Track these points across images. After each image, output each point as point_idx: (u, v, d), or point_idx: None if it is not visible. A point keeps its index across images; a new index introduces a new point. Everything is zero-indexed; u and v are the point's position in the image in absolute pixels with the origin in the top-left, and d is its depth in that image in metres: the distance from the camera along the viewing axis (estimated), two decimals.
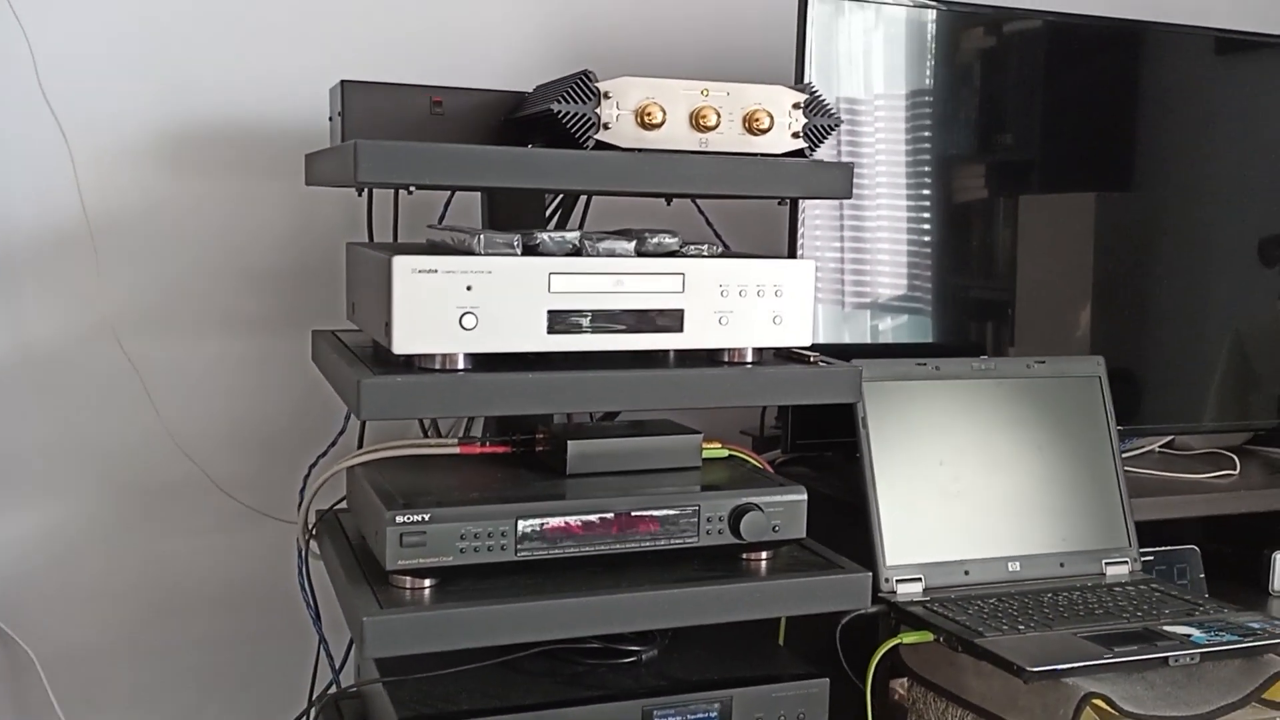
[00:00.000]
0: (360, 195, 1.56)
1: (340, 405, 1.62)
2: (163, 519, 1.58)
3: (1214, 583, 1.69)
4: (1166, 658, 1.18)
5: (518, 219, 1.43)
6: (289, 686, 1.65)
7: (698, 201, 1.60)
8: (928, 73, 1.62)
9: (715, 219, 1.60)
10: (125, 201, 1.52)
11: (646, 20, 1.75)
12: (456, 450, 1.32)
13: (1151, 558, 1.59)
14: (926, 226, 1.62)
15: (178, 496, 1.59)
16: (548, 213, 1.52)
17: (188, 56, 1.53)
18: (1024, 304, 1.68)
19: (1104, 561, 1.45)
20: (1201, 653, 1.20)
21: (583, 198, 1.60)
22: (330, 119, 1.43)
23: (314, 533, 1.41)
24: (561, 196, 1.56)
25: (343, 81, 1.33)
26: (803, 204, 1.55)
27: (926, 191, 1.62)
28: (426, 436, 1.53)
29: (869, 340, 1.62)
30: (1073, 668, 1.15)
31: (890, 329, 1.62)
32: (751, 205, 1.76)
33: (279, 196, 1.59)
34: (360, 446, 1.51)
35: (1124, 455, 1.80)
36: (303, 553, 1.42)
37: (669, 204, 1.60)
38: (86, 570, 1.56)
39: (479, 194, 1.58)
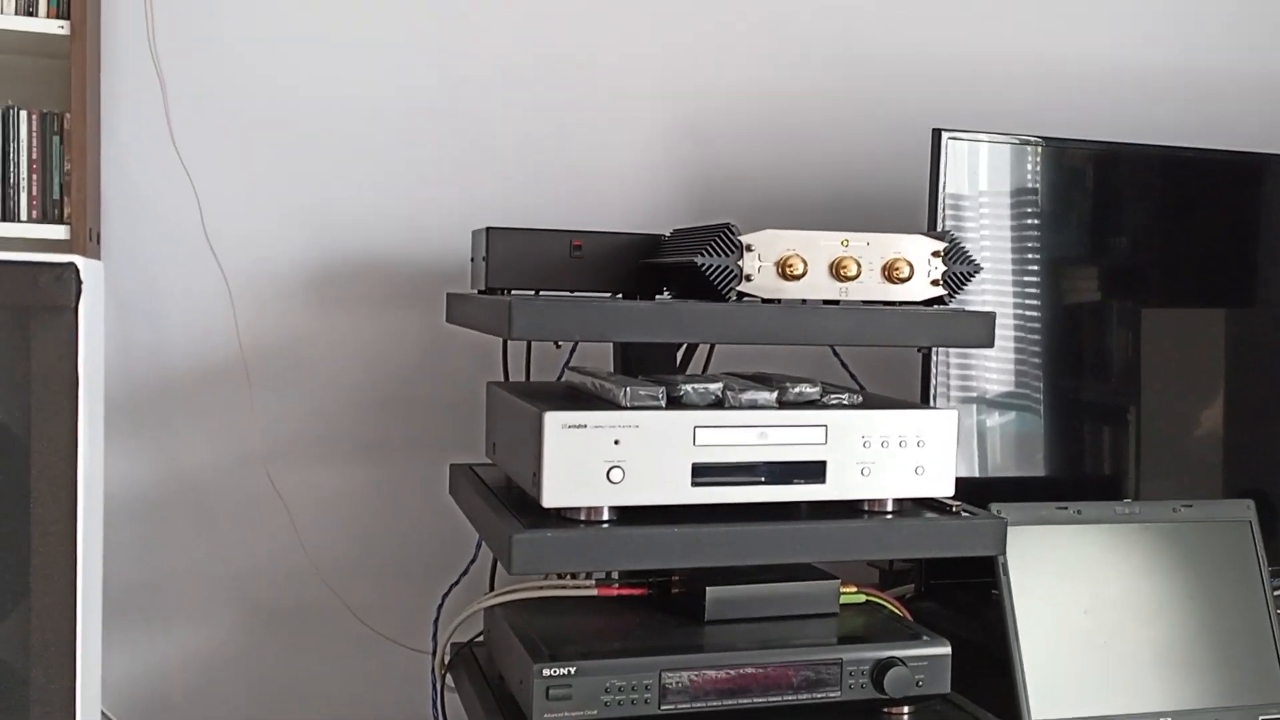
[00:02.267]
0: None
1: (472, 535, 1.64)
2: (301, 644, 1.62)
3: None
4: None
5: (650, 359, 1.45)
6: None
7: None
8: (1037, 205, 1.61)
9: (846, 354, 1.60)
10: (276, 337, 1.59)
11: (771, 165, 1.78)
12: (594, 592, 1.33)
13: None
14: (1035, 342, 1.60)
15: (316, 622, 1.62)
16: (678, 352, 1.54)
17: (337, 200, 1.60)
18: (1150, 425, 1.64)
19: (1260, 717, 1.38)
20: None
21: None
22: (473, 260, 1.48)
23: (449, 666, 1.43)
24: None
25: (488, 229, 1.38)
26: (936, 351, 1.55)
27: (1034, 310, 1.61)
28: (560, 576, 1.54)
29: (992, 471, 1.59)
30: None
31: (1015, 458, 1.60)
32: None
33: (418, 331, 1.64)
34: (492, 578, 1.53)
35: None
36: (438, 686, 1.44)
37: None
38: (226, 692, 1.59)
39: None
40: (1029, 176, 1.60)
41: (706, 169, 1.75)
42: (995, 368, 1.60)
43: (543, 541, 1.09)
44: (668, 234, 1.42)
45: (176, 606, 1.57)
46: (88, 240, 1.37)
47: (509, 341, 1.58)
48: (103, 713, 1.54)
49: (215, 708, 1.59)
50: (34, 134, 1.28)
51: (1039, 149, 1.59)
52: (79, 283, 0.71)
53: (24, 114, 1.30)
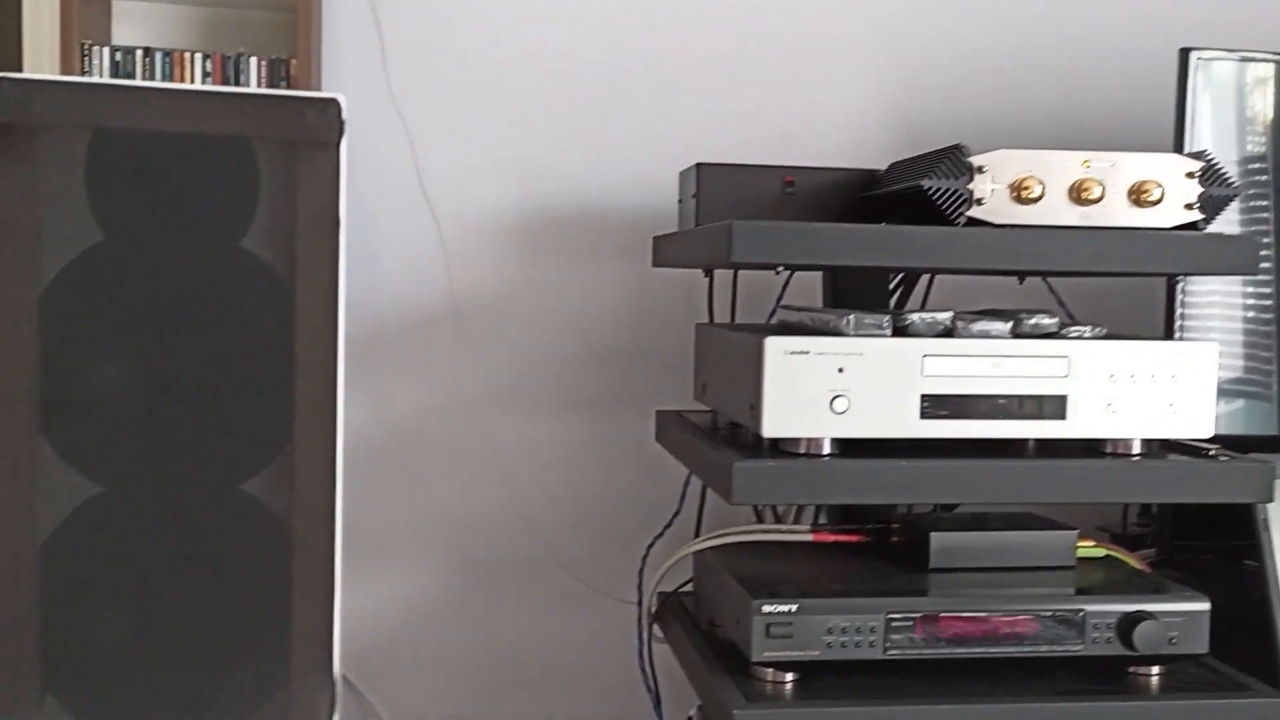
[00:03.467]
0: (705, 277, 1.57)
1: (676, 487, 1.61)
2: (507, 593, 1.62)
3: None
4: None
5: (861, 300, 1.38)
6: None
7: (1049, 280, 1.50)
8: None
9: (1068, 294, 1.50)
10: (486, 286, 1.60)
11: (992, 98, 1.68)
12: (809, 538, 1.27)
13: None
14: None
15: (522, 572, 1.62)
16: (891, 289, 1.47)
17: (546, 149, 1.60)
18: None
19: None
20: None
21: (925, 277, 1.54)
22: (680, 201, 1.45)
23: (656, 615, 1.40)
24: (903, 276, 1.51)
25: (698, 165, 1.34)
26: (1182, 281, 1.42)
27: None
28: (760, 522, 1.49)
29: (1248, 430, 1.45)
30: None
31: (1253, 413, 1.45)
32: (1097, 283, 1.64)
33: (622, 280, 1.62)
34: (698, 528, 1.49)
35: None
36: (644, 636, 1.41)
37: (1021, 282, 1.51)
38: (436, 639, 1.61)
39: (821, 275, 1.55)
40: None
41: (921, 103, 1.67)
42: (1231, 304, 1.46)
43: (764, 471, 1.05)
44: (884, 169, 1.35)
45: (387, 553, 1.60)
46: None
47: (710, 281, 1.54)
48: None
49: (423, 653, 1.61)
50: (262, 78, 1.33)
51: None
52: (341, 120, 0.71)
53: (254, 60, 1.34)
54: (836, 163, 1.62)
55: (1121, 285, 1.65)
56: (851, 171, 1.37)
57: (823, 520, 1.44)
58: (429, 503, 1.60)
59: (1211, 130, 1.44)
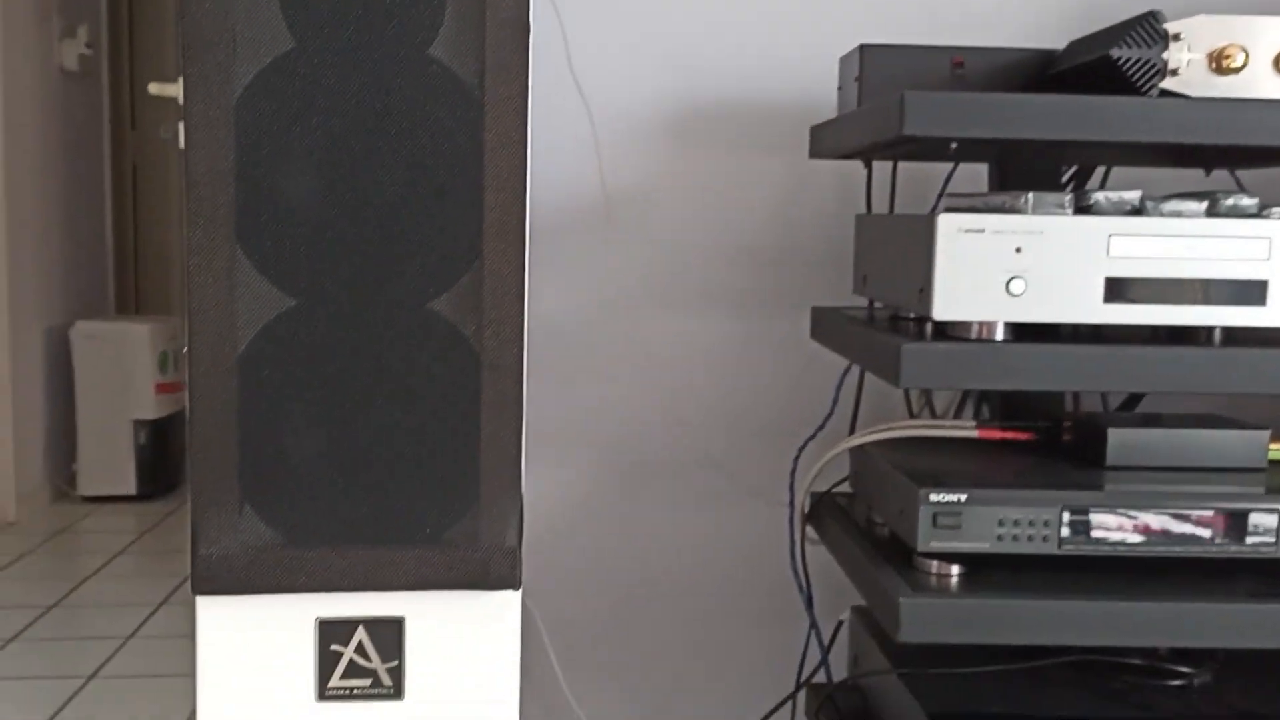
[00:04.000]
0: (864, 168, 1.51)
1: (829, 388, 1.58)
2: (658, 494, 1.62)
3: None
4: None
5: (1029, 182, 1.31)
6: (770, 671, 1.63)
7: (1236, 173, 1.40)
8: None
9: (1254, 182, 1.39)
10: (638, 179, 1.57)
11: None
12: (974, 434, 1.23)
13: None
14: None
15: (673, 470, 1.61)
16: (1065, 183, 1.39)
17: (699, 39, 1.56)
18: None
19: None
20: None
21: (1100, 172, 1.45)
22: (840, 88, 1.39)
23: (809, 515, 1.38)
24: (1076, 170, 1.43)
25: (861, 45, 1.28)
26: None
27: None
28: (915, 418, 1.44)
29: None
30: None
31: None
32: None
33: (777, 175, 1.58)
34: (853, 428, 1.45)
35: None
36: (797, 536, 1.39)
37: (1208, 174, 1.42)
38: (587, 540, 1.62)
39: (986, 168, 1.48)
40: None
41: None
42: None
43: (933, 353, 1.00)
44: (1062, 48, 1.27)
45: (538, 449, 1.61)
46: None
47: (869, 172, 1.49)
48: None
49: (574, 551, 1.62)
50: None
51: None
52: None
53: None
54: (1009, 43, 1.53)
55: None
56: (1025, 51, 1.29)
57: (986, 418, 1.39)
58: (576, 402, 1.60)
59: None
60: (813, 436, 1.51)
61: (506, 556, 0.72)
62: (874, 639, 1.27)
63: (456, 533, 0.73)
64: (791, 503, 1.48)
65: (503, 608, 0.76)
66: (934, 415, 1.48)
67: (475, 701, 0.76)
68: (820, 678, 1.41)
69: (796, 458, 1.55)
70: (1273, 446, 1.17)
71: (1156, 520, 1.03)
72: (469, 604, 0.77)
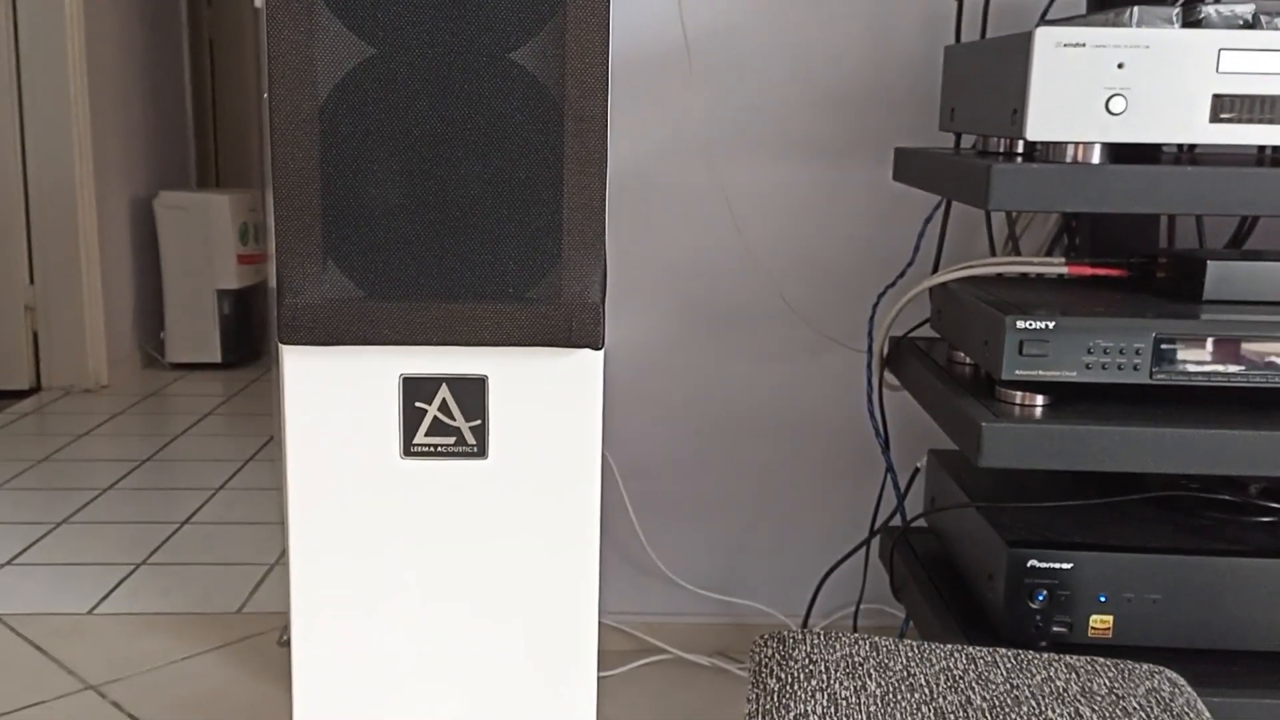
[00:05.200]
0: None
1: (911, 235, 1.54)
2: (735, 338, 1.61)
3: None
4: None
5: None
6: (843, 518, 1.63)
7: None
8: None
9: None
10: (719, 22, 1.53)
11: None
12: (1064, 270, 1.19)
13: None
14: None
15: (751, 317, 1.60)
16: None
17: None
18: None
19: None
20: None
21: None
22: None
23: (888, 360, 1.36)
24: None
25: None
26: None
27: None
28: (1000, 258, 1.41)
29: None
30: None
31: None
32: None
33: (861, 11, 1.52)
34: (936, 273, 1.42)
35: None
36: (874, 381, 1.38)
37: None
38: (663, 384, 1.63)
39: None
40: None
41: None
42: None
43: (1024, 174, 0.97)
44: None
45: (617, 294, 1.61)
46: None
47: (963, 5, 1.43)
48: None
49: (652, 399, 1.63)
50: None
51: None
52: None
53: None
54: None
55: None
56: None
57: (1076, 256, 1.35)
58: (657, 246, 1.59)
59: None
60: (893, 283, 1.49)
61: (590, 313, 0.72)
62: (953, 479, 1.26)
63: (540, 290, 0.72)
64: (870, 348, 1.46)
65: (585, 366, 0.76)
66: (1018, 252, 1.44)
67: (559, 461, 0.77)
68: (897, 523, 1.41)
69: (876, 304, 1.53)
70: None
71: (1251, 351, 1.00)
72: (552, 362, 0.77)
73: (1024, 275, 1.23)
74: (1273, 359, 1.00)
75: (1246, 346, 1.00)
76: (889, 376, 1.38)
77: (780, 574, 1.66)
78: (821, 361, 1.60)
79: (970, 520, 1.15)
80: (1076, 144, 1.00)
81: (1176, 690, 0.79)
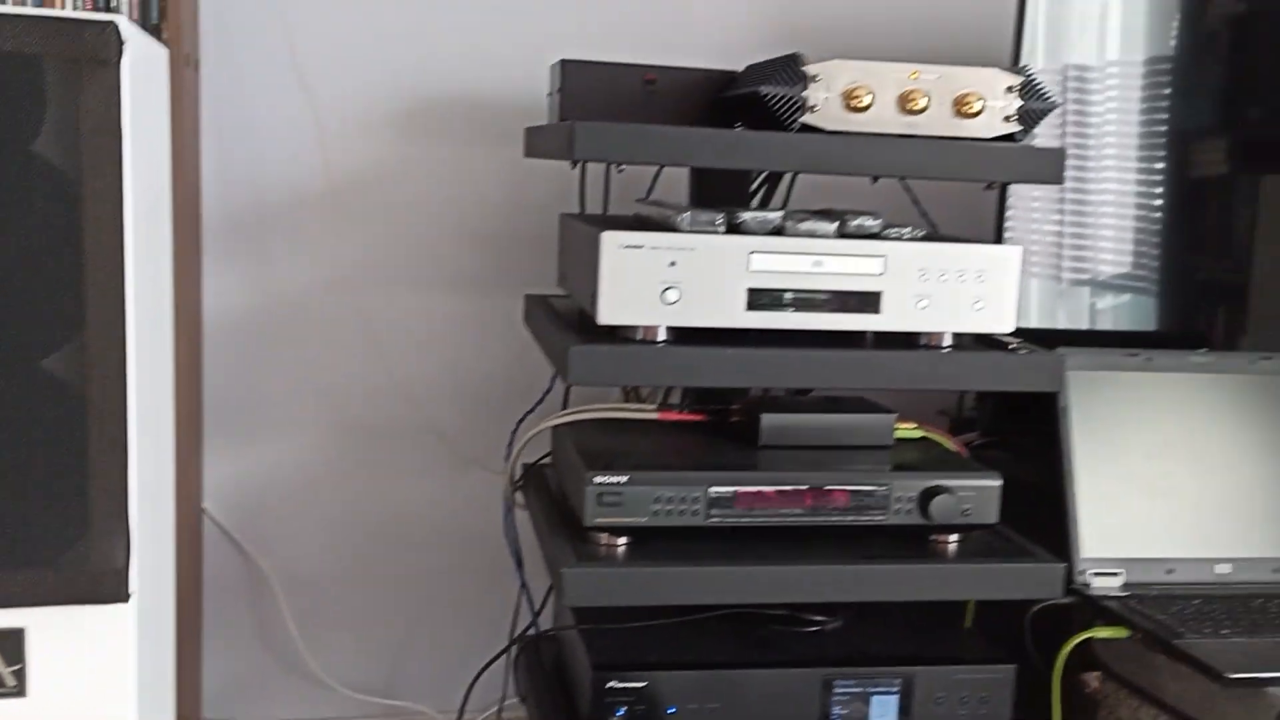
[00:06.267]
0: (574, 168, 1.64)
1: (548, 365, 1.71)
2: (384, 460, 1.72)
3: None
4: None
5: (723, 195, 1.46)
6: (491, 624, 1.77)
7: (906, 181, 1.59)
8: (1170, 38, 1.55)
9: (924, 197, 1.59)
10: (364, 168, 1.65)
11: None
12: (655, 416, 1.38)
13: None
14: (1156, 203, 1.56)
15: (398, 441, 1.72)
16: (753, 189, 1.55)
17: (423, 35, 1.63)
18: (1259, 290, 1.59)
19: None
20: None
21: (788, 175, 1.62)
22: (549, 95, 1.50)
23: (520, 484, 1.51)
24: (766, 174, 1.59)
25: (561, 61, 1.40)
26: (1014, 186, 1.52)
27: (1158, 165, 1.56)
28: (627, 401, 1.59)
29: (1087, 325, 1.57)
30: (1277, 677, 1.11)
31: (1110, 310, 1.58)
32: (961, 184, 1.73)
33: (500, 165, 1.69)
34: (565, 406, 1.59)
35: None
36: (509, 503, 1.52)
37: (875, 181, 1.60)
38: (318, 502, 1.71)
39: (688, 170, 1.62)
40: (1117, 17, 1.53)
41: (789, 3, 1.72)
42: (1108, 237, 1.57)
43: (597, 354, 1.14)
44: (742, 70, 1.42)
45: (273, 419, 1.69)
46: (184, 65, 1.44)
47: (582, 171, 1.61)
48: (203, 508, 1.68)
49: (307, 512, 1.71)
50: None
51: None
52: (120, 40, 0.77)
53: None
54: (707, 59, 1.68)
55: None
56: (710, 72, 1.43)
57: (675, 402, 1.55)
58: (313, 373, 1.68)
59: (1118, 32, 1.52)
60: (531, 410, 1.65)
61: (115, 575, 0.82)
62: None
63: (70, 556, 0.82)
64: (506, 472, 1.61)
65: (116, 618, 0.86)
66: (639, 398, 1.63)
67: (94, 702, 0.86)
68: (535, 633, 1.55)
69: (515, 430, 1.68)
70: (902, 426, 1.37)
71: (787, 495, 1.21)
72: (84, 616, 0.87)
73: (625, 420, 1.41)
74: (806, 502, 1.21)
75: (779, 495, 1.21)
76: (521, 498, 1.53)
77: (438, 675, 1.77)
78: (469, 479, 1.73)
79: (572, 639, 1.31)
80: (644, 326, 1.18)
81: None
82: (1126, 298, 1.58)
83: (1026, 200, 1.54)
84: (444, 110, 1.66)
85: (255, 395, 1.68)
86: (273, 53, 1.60)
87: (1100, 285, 1.57)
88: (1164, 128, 1.56)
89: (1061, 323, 1.57)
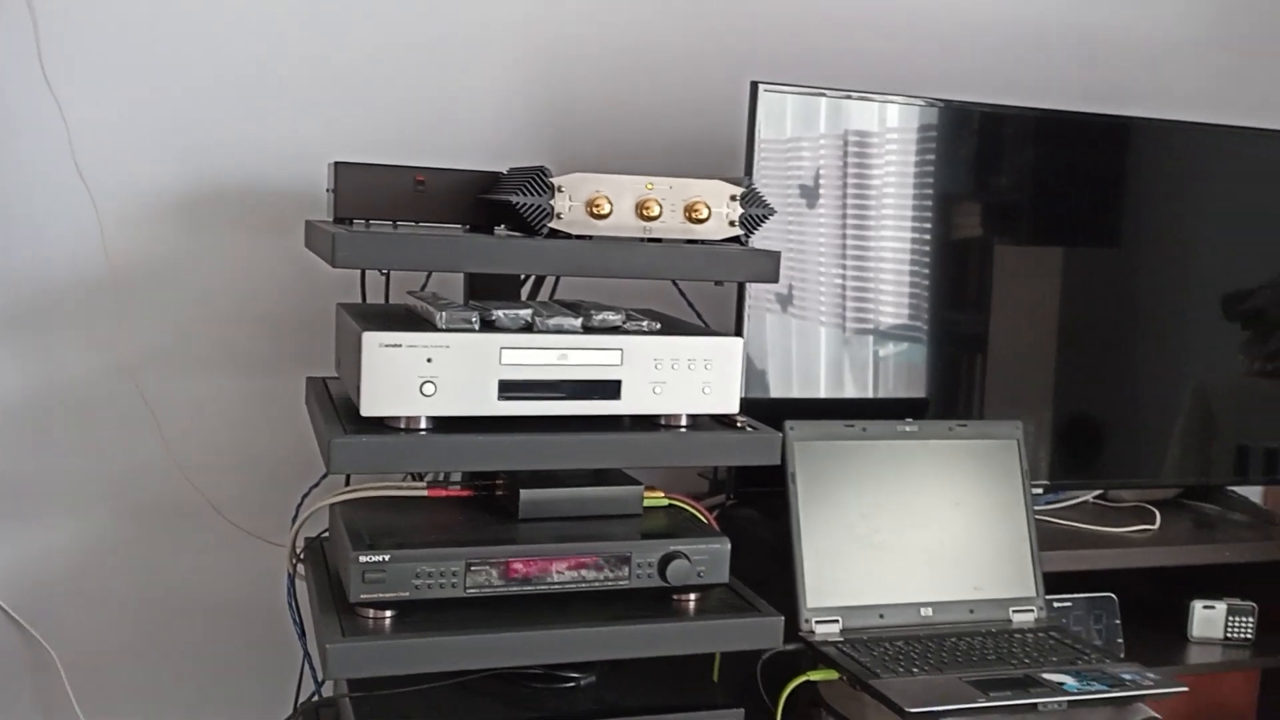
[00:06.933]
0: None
1: None
2: (170, 538, 1.77)
3: (1138, 629, 1.83)
4: (1036, 704, 1.32)
5: (494, 289, 1.59)
6: (278, 693, 1.83)
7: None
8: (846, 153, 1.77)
9: (687, 286, 1.76)
10: (146, 256, 1.71)
11: (621, 102, 1.91)
12: (425, 493, 1.49)
13: (1070, 604, 1.73)
14: (925, 261, 1.77)
15: (184, 519, 1.77)
16: (523, 280, 1.68)
17: (202, 127, 1.71)
18: (994, 351, 1.82)
19: (1011, 609, 1.59)
20: (1070, 700, 1.34)
21: None
22: (327, 191, 1.60)
23: (300, 558, 1.59)
24: None
25: (335, 163, 1.50)
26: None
27: (927, 234, 1.77)
28: (404, 480, 1.70)
29: (808, 395, 1.77)
30: (949, 709, 1.30)
31: (847, 380, 1.77)
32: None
33: (282, 252, 1.77)
34: (347, 483, 1.68)
35: (1058, 505, 1.95)
36: (291, 576, 1.60)
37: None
38: (101, 581, 1.75)
39: None
40: (838, 124, 1.75)
41: (555, 109, 1.88)
42: (888, 298, 1.76)
43: (358, 445, 1.25)
44: (506, 171, 1.55)
45: (56, 503, 1.71)
46: None
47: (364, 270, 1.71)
48: None
49: (93, 593, 1.74)
50: None
51: (844, 101, 1.74)
52: None
53: None
54: (480, 156, 1.81)
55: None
56: (476, 173, 1.56)
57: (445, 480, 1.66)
58: (93, 456, 1.72)
59: (794, 153, 1.72)
60: (315, 486, 1.73)
61: None
62: None
63: None
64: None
65: None
66: (417, 475, 1.73)
67: None
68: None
69: (299, 505, 1.75)
70: (651, 495, 1.52)
71: (538, 564, 1.34)
72: None
73: (398, 498, 1.51)
74: (558, 569, 1.34)
75: (531, 565, 1.33)
76: (303, 571, 1.60)
77: None
78: (253, 555, 1.80)
79: (347, 707, 1.40)
80: (406, 416, 1.29)
81: None
82: (905, 346, 1.79)
83: (814, 255, 1.73)
84: (227, 199, 1.74)
85: (38, 478, 1.70)
86: (50, 146, 1.64)
87: (881, 334, 1.77)
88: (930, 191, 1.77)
89: (796, 392, 1.76)
